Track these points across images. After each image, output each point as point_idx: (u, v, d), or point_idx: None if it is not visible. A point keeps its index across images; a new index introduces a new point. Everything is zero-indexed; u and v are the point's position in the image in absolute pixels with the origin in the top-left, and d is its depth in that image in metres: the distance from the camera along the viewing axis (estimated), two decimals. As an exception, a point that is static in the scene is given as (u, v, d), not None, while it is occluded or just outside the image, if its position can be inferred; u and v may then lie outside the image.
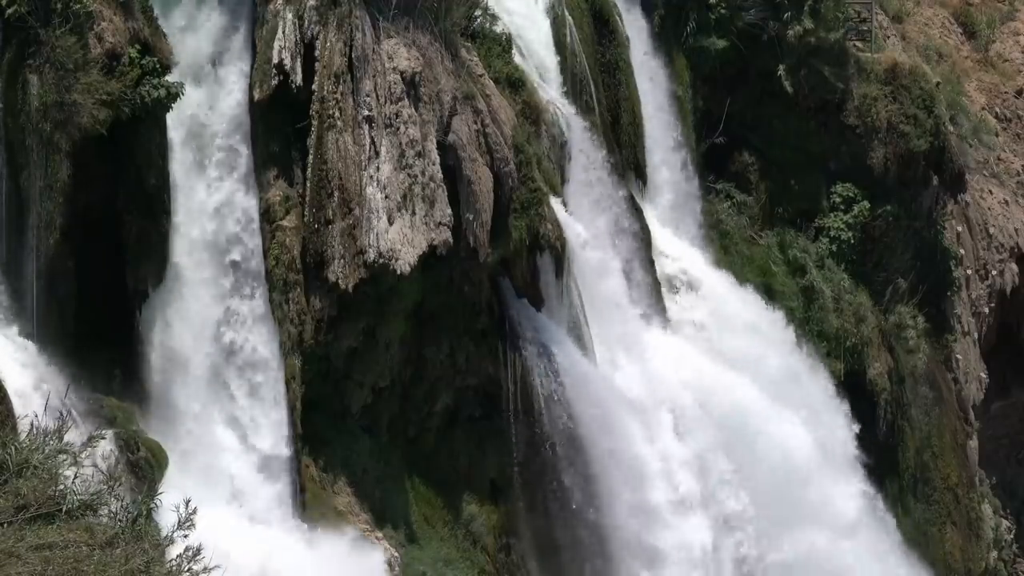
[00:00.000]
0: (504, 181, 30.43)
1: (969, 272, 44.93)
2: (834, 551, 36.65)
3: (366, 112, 28.73)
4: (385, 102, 28.90)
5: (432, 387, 30.90)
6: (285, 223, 28.57)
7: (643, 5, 39.01)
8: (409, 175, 28.84)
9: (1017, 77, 50.60)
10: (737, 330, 37.20)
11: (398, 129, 28.92)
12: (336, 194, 28.39)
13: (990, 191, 47.01)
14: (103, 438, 22.38)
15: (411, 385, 30.59)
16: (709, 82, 40.14)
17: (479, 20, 32.30)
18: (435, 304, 30.41)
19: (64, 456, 13.37)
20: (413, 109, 29.14)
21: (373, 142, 28.76)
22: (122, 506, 13.20)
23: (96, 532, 12.63)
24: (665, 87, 39.09)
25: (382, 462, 30.10)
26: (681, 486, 32.90)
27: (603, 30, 36.85)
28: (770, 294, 39.65)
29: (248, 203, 28.32)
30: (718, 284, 37.95)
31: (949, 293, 43.61)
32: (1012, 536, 46.87)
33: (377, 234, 28.35)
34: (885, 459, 40.34)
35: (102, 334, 26.42)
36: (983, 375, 45.42)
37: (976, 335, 45.25)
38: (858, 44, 42.94)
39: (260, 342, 28.17)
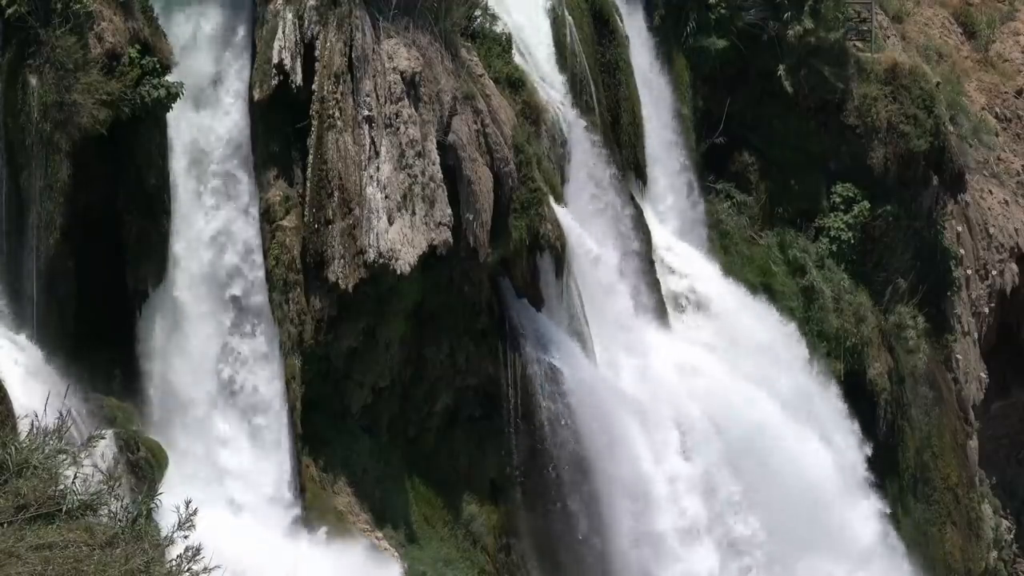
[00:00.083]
0: (504, 181, 30.43)
1: (969, 272, 44.93)
2: None
3: (366, 112, 28.73)
4: (385, 102, 28.90)
5: (432, 387, 30.90)
6: (285, 223, 28.57)
7: (643, 5, 39.01)
8: (409, 175, 28.84)
9: (1017, 77, 50.58)
10: (750, 351, 36.74)
11: (398, 129, 28.93)
12: (336, 194, 28.39)
13: (990, 191, 47.00)
14: (103, 438, 22.39)
15: (411, 385, 30.59)
16: (709, 82, 40.14)
17: (479, 20, 32.29)
18: (435, 304, 30.41)
19: (64, 456, 13.36)
20: (413, 109, 29.14)
21: (373, 142, 28.76)
22: (122, 506, 13.18)
23: (96, 532, 12.62)
24: (665, 87, 39.08)
25: (382, 462, 30.10)
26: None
27: (603, 30, 36.84)
28: (770, 294, 39.65)
29: (248, 232, 28.21)
30: (728, 298, 37.58)
31: (949, 293, 43.61)
32: (1012, 536, 46.85)
33: (377, 234, 28.35)
34: (885, 459, 40.32)
35: (102, 334, 26.42)
36: (983, 375, 45.41)
37: (976, 335, 45.24)
38: (858, 44, 42.93)
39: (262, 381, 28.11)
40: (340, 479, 29.32)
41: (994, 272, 46.07)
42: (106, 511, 13.13)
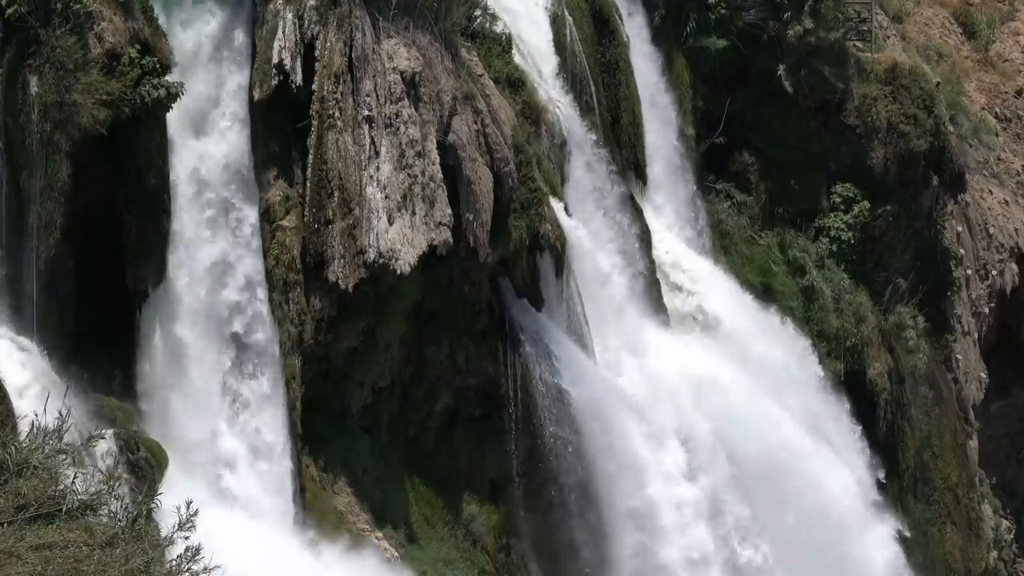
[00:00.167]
0: (504, 181, 30.42)
1: (969, 272, 44.93)
2: None
3: (366, 112, 28.73)
4: (385, 102, 28.90)
5: (432, 387, 30.89)
6: (285, 223, 28.57)
7: (643, 5, 39.01)
8: (409, 175, 28.84)
9: (1017, 77, 50.59)
10: (762, 373, 36.53)
11: (398, 129, 28.93)
12: (336, 194, 28.39)
13: (990, 191, 47.01)
14: (103, 438, 22.39)
15: (411, 385, 30.59)
16: (709, 82, 40.14)
17: (479, 20, 32.29)
18: (435, 304, 30.40)
19: (64, 456, 13.35)
20: (413, 109, 29.14)
21: (373, 142, 28.76)
22: (122, 506, 13.19)
23: (96, 532, 12.62)
24: (665, 87, 39.08)
25: (382, 462, 30.10)
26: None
27: (603, 30, 36.85)
28: (770, 294, 39.65)
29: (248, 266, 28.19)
30: (738, 317, 37.27)
31: (949, 293, 43.61)
32: (1012, 536, 46.85)
33: (377, 234, 28.35)
34: (885, 459, 40.33)
35: (102, 334, 26.41)
36: (983, 375, 45.41)
37: (976, 335, 45.24)
38: (858, 44, 42.94)
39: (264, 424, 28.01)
40: (340, 479, 29.31)
41: (994, 272, 46.08)
42: (106, 511, 13.13)
